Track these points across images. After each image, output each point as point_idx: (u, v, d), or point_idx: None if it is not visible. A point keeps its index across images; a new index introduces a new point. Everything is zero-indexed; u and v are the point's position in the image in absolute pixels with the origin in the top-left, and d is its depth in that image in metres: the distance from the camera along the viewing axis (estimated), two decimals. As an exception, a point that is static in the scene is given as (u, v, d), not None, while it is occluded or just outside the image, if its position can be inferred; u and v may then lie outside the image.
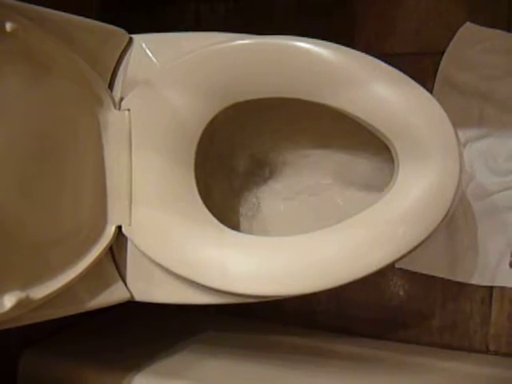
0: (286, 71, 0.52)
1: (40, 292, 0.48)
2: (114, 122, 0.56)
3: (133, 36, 0.59)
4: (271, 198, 0.67)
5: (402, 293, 0.80)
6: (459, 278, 0.76)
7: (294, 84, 0.53)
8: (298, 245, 0.53)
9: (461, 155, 0.49)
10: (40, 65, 0.50)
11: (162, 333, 0.80)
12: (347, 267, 0.51)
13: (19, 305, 0.46)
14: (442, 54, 0.76)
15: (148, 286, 0.58)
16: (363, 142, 0.60)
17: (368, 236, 0.51)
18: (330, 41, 0.52)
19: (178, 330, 0.81)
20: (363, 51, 0.51)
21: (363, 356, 0.76)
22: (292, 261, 0.52)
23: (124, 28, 0.58)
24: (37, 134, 0.51)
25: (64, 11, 0.52)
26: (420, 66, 0.77)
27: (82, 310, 0.56)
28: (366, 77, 0.50)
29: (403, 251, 0.50)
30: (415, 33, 0.78)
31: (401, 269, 0.79)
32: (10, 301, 0.45)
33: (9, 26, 0.44)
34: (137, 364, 0.67)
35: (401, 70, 0.50)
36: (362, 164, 0.63)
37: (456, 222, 0.76)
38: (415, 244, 0.49)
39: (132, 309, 0.66)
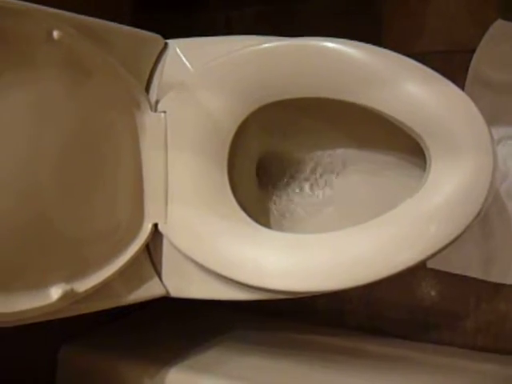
0: (317, 71, 0.53)
1: (83, 285, 0.51)
2: (150, 123, 0.58)
3: (168, 41, 0.61)
4: (301, 197, 0.68)
5: (434, 293, 0.79)
6: (494, 279, 0.75)
7: (325, 84, 0.54)
8: (331, 242, 0.53)
9: (494, 152, 0.49)
10: (81, 70, 0.53)
11: (195, 329, 0.82)
12: (379, 264, 0.51)
13: (64, 297, 0.48)
14: (473, 51, 0.75)
15: (183, 282, 0.60)
16: (398, 142, 0.60)
17: (400, 233, 0.51)
18: (359, 41, 0.53)
19: (211, 327, 0.83)
20: (393, 50, 0.52)
21: (394, 356, 0.75)
22: (325, 258, 0.53)
23: (154, 32, 0.60)
24: (77, 134, 0.53)
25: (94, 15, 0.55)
26: (450, 64, 0.76)
27: (120, 304, 0.58)
28: (397, 75, 0.50)
29: (434, 249, 0.50)
30: (445, 31, 0.78)
31: (433, 269, 0.79)
32: (56, 292, 0.48)
33: (56, 34, 0.47)
34: (171, 358, 0.69)
35: (431, 68, 0.51)
36: (395, 164, 0.63)
37: (490, 221, 0.75)
38: (447, 242, 0.49)
39: (167, 305, 0.68)
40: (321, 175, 0.67)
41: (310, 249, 0.54)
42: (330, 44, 0.53)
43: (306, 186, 0.68)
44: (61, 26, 0.48)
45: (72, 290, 0.49)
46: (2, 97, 0.46)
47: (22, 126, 0.48)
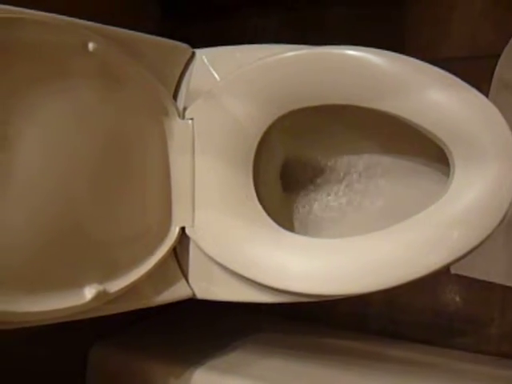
0: (341, 79, 0.54)
1: (115, 286, 0.53)
2: (178, 130, 0.60)
3: (195, 50, 0.63)
4: (325, 202, 0.68)
5: (458, 299, 0.79)
6: (519, 285, 0.74)
7: (349, 92, 0.54)
8: (354, 246, 0.54)
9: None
10: (113, 79, 0.55)
11: (221, 331, 0.84)
12: (402, 269, 0.52)
13: (97, 297, 0.51)
14: (498, 57, 0.75)
15: (209, 285, 0.61)
16: (422, 148, 0.60)
17: (423, 238, 0.51)
18: (384, 48, 0.53)
19: (236, 328, 0.84)
20: (417, 56, 0.52)
21: (416, 362, 0.75)
22: (348, 262, 0.53)
23: (182, 40, 0.62)
24: (109, 142, 0.55)
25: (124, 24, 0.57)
26: (475, 71, 0.76)
27: (148, 306, 0.60)
28: (421, 82, 0.51)
29: (457, 254, 0.50)
30: (470, 37, 0.77)
31: (457, 275, 0.78)
32: (90, 292, 0.50)
33: (91, 46, 0.50)
34: (197, 358, 0.70)
35: (456, 74, 0.51)
36: (418, 170, 0.63)
37: (515, 227, 0.74)
38: (470, 248, 0.50)
39: (194, 306, 0.70)
40: (344, 180, 0.67)
41: (334, 253, 0.55)
42: (354, 52, 0.53)
43: (330, 191, 0.68)
44: (95, 38, 0.50)
45: (104, 291, 0.51)
46: (41, 107, 0.49)
47: (61, 136, 0.51)
